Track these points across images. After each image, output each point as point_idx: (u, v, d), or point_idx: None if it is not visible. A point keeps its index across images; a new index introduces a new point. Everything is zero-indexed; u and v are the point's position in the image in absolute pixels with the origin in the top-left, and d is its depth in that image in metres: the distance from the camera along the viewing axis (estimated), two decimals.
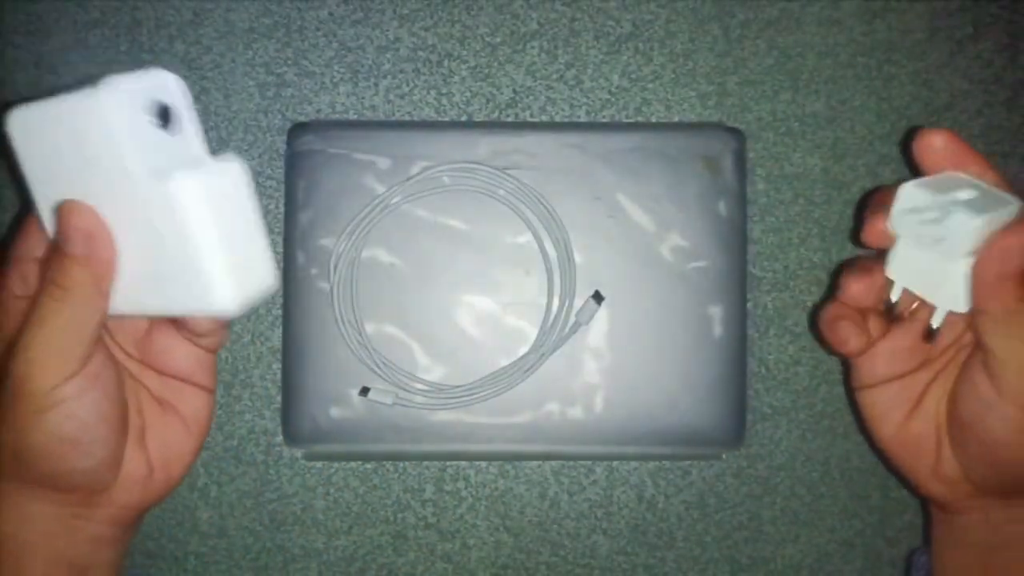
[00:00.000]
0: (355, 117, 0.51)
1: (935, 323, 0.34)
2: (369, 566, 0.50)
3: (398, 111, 0.51)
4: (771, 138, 0.51)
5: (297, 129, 0.49)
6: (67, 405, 0.31)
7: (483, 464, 0.50)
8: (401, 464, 0.50)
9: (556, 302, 0.48)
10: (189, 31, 0.51)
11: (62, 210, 0.30)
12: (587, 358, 0.48)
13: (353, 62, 0.51)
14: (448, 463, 0.50)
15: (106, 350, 0.34)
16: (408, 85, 0.51)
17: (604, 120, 0.51)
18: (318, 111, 0.51)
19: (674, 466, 0.50)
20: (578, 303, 0.48)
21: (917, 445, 0.36)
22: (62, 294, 0.31)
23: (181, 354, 0.37)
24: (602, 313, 0.48)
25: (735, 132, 0.49)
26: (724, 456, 0.50)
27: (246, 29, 0.51)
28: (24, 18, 0.51)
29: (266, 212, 0.50)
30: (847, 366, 0.40)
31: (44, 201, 0.31)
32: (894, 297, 0.35)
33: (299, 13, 0.51)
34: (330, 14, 0.51)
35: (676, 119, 0.51)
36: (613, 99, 0.51)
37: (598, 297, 0.48)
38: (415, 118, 0.51)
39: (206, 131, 0.50)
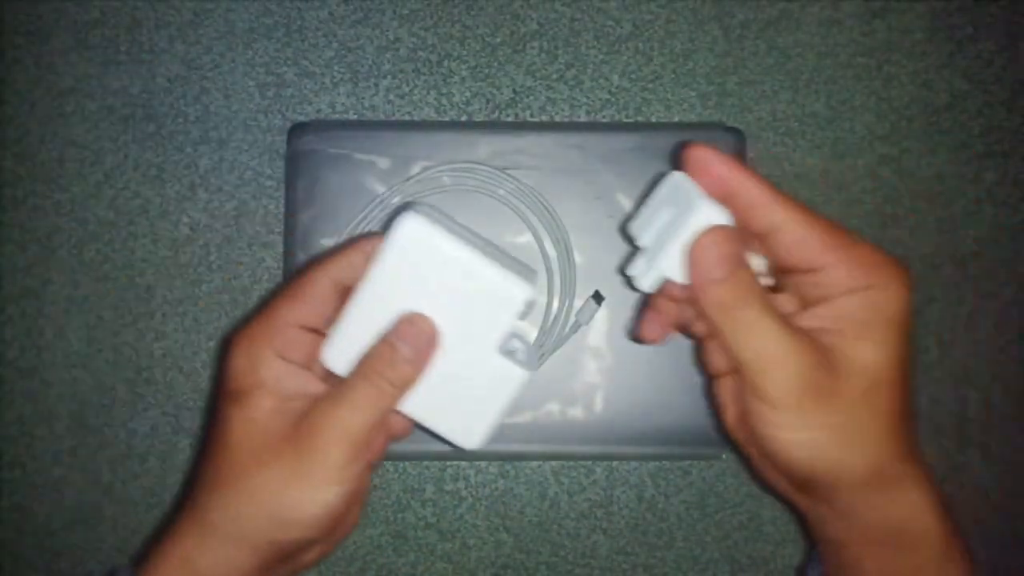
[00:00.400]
0: (355, 117, 0.51)
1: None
2: (369, 566, 0.50)
3: (398, 111, 0.51)
4: (771, 138, 0.51)
5: (297, 129, 0.49)
6: (354, 483, 0.33)
7: (483, 464, 0.50)
8: (401, 464, 0.50)
9: (556, 302, 0.48)
10: (189, 31, 0.51)
11: (417, 320, 0.34)
12: (587, 358, 0.48)
13: (353, 62, 0.51)
14: (448, 463, 0.50)
15: None
16: (408, 85, 0.51)
17: (604, 120, 0.51)
18: (318, 111, 0.51)
19: (674, 466, 0.50)
20: (578, 303, 0.48)
21: (747, 439, 0.35)
22: (387, 388, 0.33)
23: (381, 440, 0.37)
24: (602, 313, 0.48)
25: (735, 132, 0.49)
26: (724, 456, 0.50)
27: (246, 29, 0.51)
28: (24, 18, 0.51)
29: (266, 212, 0.50)
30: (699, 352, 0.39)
31: (376, 303, 0.34)
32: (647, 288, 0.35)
33: (299, 13, 0.51)
34: (330, 14, 0.51)
35: (676, 119, 0.51)
36: (613, 99, 0.51)
37: (598, 297, 0.48)
38: (415, 118, 0.51)
39: (206, 132, 0.51)
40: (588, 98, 0.51)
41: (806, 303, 0.33)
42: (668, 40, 0.51)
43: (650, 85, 0.51)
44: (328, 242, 0.47)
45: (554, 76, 0.51)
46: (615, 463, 0.50)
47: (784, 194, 0.32)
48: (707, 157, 0.32)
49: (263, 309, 0.35)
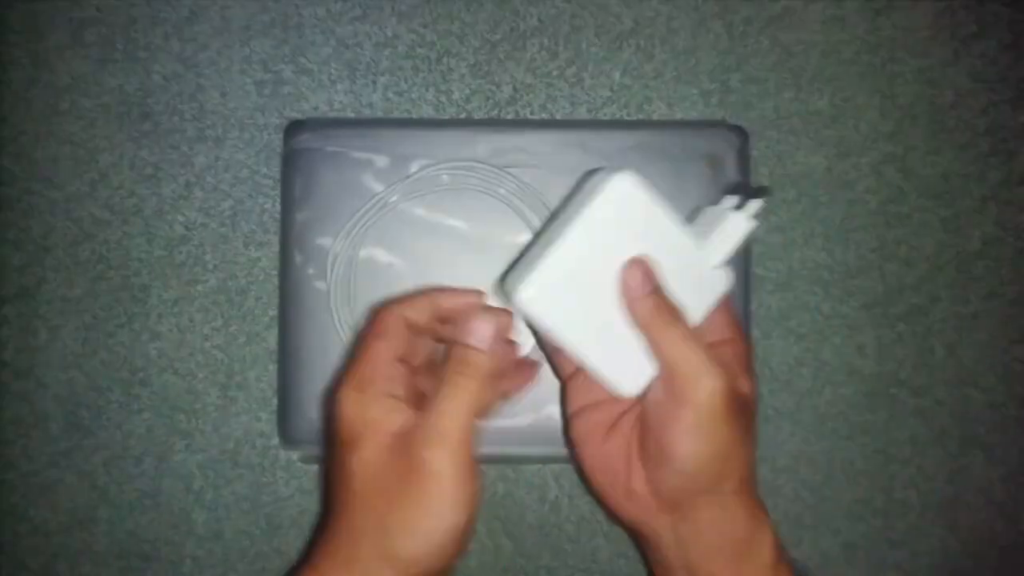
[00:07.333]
0: (353, 115, 0.50)
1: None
2: None
3: (396, 109, 0.50)
4: (774, 136, 0.51)
5: (294, 127, 0.48)
6: (467, 490, 0.36)
7: (483, 467, 0.49)
8: None
9: None
10: (185, 28, 0.50)
11: (485, 317, 0.37)
12: None
13: (351, 59, 0.51)
14: None
15: None
16: (407, 83, 0.50)
17: (605, 118, 0.50)
18: (315, 109, 0.50)
19: None
20: None
21: (611, 465, 0.38)
22: (467, 383, 0.36)
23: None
24: None
25: (738, 130, 0.48)
26: None
27: (242, 26, 0.50)
28: (19, 15, 0.50)
29: (262, 211, 0.50)
30: (563, 395, 0.41)
31: (580, 250, 0.36)
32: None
33: (296, 10, 0.51)
34: (328, 11, 0.51)
35: (678, 117, 0.51)
36: (614, 97, 0.51)
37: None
38: (414, 116, 0.50)
39: (202, 130, 0.50)
40: (589, 96, 0.51)
41: None
42: (670, 37, 0.51)
43: (652, 82, 0.51)
44: (325, 241, 0.47)
45: (554, 73, 0.51)
46: None
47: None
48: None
49: (356, 355, 0.37)
